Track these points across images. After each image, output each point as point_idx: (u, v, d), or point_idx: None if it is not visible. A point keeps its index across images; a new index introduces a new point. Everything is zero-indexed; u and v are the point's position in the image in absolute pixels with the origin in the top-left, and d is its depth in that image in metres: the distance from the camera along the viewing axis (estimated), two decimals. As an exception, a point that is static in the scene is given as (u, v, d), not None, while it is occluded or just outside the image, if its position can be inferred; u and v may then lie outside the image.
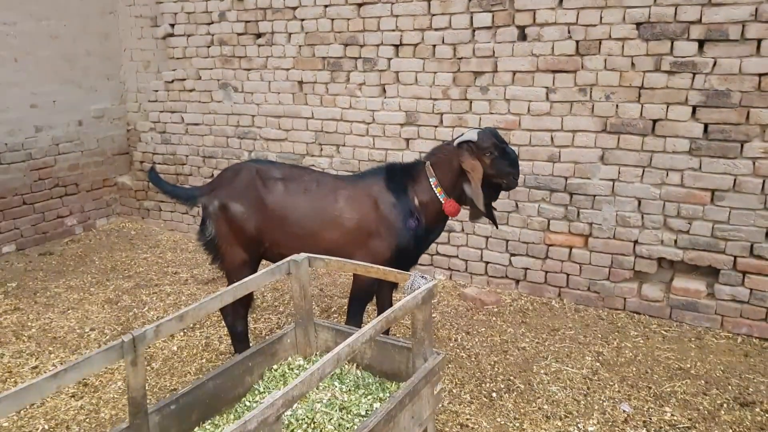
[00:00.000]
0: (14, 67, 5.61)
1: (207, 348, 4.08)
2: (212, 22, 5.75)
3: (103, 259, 5.77)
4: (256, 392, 2.72)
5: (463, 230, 4.95)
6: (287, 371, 2.84)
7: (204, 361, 3.95)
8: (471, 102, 4.71)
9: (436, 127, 4.87)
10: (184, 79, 6.09)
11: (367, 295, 3.44)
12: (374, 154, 5.17)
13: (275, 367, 2.87)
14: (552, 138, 4.49)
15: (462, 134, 3.33)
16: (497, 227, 3.51)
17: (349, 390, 2.73)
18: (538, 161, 4.56)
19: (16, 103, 5.67)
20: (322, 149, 5.44)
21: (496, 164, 3.23)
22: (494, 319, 4.39)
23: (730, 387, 3.52)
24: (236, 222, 3.34)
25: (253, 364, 2.78)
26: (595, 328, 4.24)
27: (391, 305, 3.70)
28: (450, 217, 3.41)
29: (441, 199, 3.30)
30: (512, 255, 4.81)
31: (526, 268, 4.77)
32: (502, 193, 4.65)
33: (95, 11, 6.24)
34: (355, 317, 3.44)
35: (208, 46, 5.84)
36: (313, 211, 3.31)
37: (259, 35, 5.53)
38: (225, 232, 3.36)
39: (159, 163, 6.49)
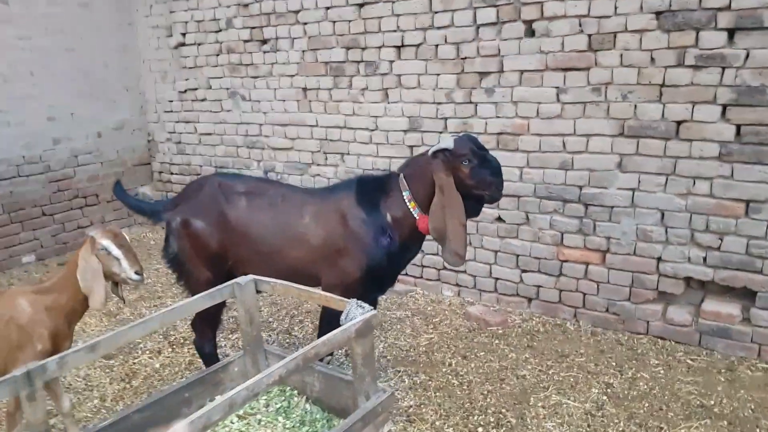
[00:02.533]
0: (30, 80, 5.68)
1: (190, 367, 3.91)
2: (220, 30, 5.64)
3: (116, 270, 5.74)
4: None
5: (470, 243, 4.58)
6: (230, 403, 2.60)
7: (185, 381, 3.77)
8: (476, 105, 4.35)
9: (440, 133, 4.54)
10: (196, 89, 6.02)
11: (337, 319, 3.15)
12: (378, 163, 4.89)
13: (218, 398, 2.63)
14: (564, 143, 4.07)
15: (438, 142, 3.01)
16: (462, 259, 2.94)
17: (294, 426, 2.47)
18: (549, 169, 4.15)
19: (33, 116, 5.74)
20: (326, 158, 5.21)
21: (475, 173, 2.89)
22: (497, 342, 4.00)
23: (758, 430, 3.02)
24: (198, 239, 3.14)
25: (192, 394, 2.56)
26: (610, 355, 3.78)
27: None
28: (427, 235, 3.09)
29: (415, 215, 2.98)
30: (523, 271, 4.40)
31: (539, 286, 4.36)
32: (511, 202, 4.30)
33: (112, 24, 6.27)
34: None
35: (217, 54, 5.73)
36: (278, 227, 3.07)
37: (264, 41, 5.36)
38: (188, 249, 3.17)
39: (176, 173, 6.45)
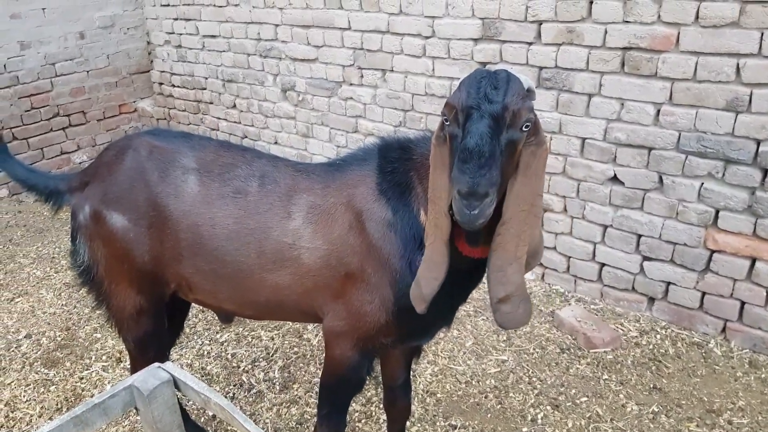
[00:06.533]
0: (-20, -37, 4.33)
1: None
2: None
3: (105, 211, 4.60)
4: None
5: (564, 210, 3.15)
6: None
7: None
8: (591, 1, 2.75)
9: (529, 44, 2.98)
10: (195, -26, 4.53)
11: (346, 380, 1.84)
12: (434, 86, 3.40)
13: None
14: (738, 69, 2.48)
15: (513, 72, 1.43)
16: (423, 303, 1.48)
17: None
18: (707, 109, 2.60)
19: (-11, 12, 4.44)
20: (362, 75, 3.73)
21: (454, 149, 1.31)
22: (606, 377, 2.66)
23: None
24: (118, 244, 1.85)
25: None
26: (788, 413, 2.41)
27: (408, 383, 2.12)
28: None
29: None
30: (646, 258, 2.97)
31: (669, 282, 2.93)
32: (636, 156, 2.81)
33: None
34: (328, 418, 1.89)
35: (216, -76, 4.18)
36: (250, 233, 1.73)
37: None
38: (105, 258, 1.89)
39: (177, 86, 5.11)
